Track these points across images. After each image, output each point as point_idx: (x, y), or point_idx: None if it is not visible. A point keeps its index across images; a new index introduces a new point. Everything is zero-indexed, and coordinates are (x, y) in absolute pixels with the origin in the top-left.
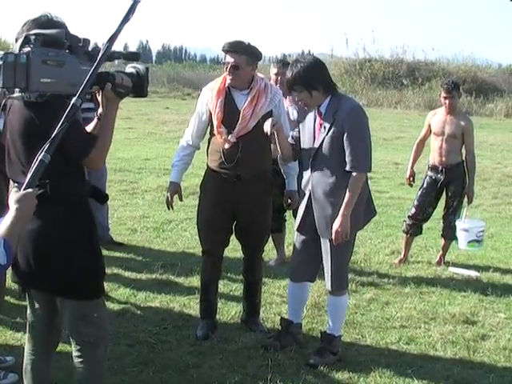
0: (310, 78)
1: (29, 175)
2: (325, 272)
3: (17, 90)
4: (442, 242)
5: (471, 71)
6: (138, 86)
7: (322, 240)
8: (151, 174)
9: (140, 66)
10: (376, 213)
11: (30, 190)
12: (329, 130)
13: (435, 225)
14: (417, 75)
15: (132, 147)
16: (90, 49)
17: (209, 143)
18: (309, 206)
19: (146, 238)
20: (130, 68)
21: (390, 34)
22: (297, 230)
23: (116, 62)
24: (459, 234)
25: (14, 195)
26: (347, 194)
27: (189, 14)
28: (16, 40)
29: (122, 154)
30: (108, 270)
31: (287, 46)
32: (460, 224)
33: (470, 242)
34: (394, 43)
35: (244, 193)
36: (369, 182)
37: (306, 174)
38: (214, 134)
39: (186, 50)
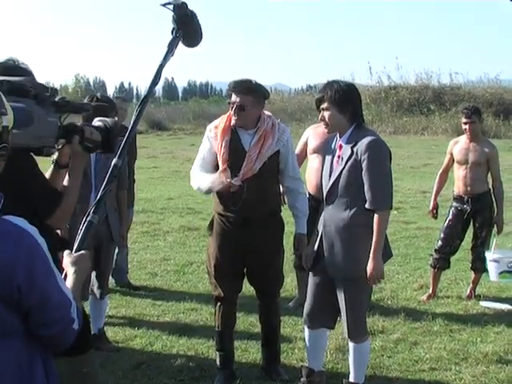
0: (342, 99)
1: (78, 237)
2: (342, 317)
3: None
4: (472, 274)
5: (497, 93)
6: (107, 141)
7: (335, 282)
8: (174, 213)
9: (108, 120)
10: (392, 254)
11: (83, 251)
12: (346, 163)
13: (465, 255)
14: (443, 100)
15: (156, 187)
16: (56, 99)
17: None
18: (321, 245)
19: (166, 281)
20: (97, 122)
21: (413, 60)
22: (310, 270)
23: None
24: (489, 265)
25: (68, 257)
26: (374, 234)
27: (213, 49)
28: None
29: (145, 194)
30: (125, 319)
31: (310, 77)
32: (490, 255)
33: (501, 273)
34: (418, 68)
35: (253, 236)
36: (395, 212)
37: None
38: None
39: (211, 86)
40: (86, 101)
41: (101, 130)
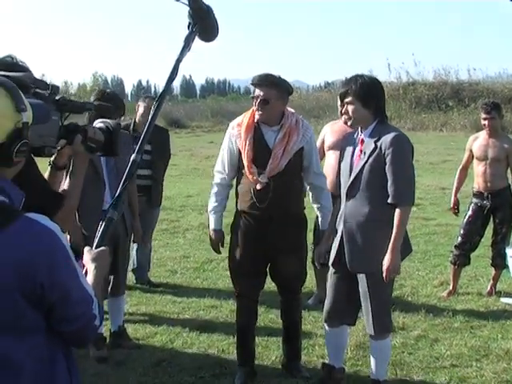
0: (366, 93)
1: (98, 234)
2: (364, 313)
3: None
4: (493, 270)
5: None
6: (109, 144)
7: (358, 277)
8: (193, 211)
9: (110, 122)
10: (412, 249)
11: (103, 247)
12: (369, 157)
13: (485, 252)
14: (461, 96)
15: (175, 184)
16: (57, 98)
17: (237, 183)
18: (342, 241)
19: (185, 279)
20: (99, 123)
21: (431, 56)
22: (332, 265)
23: None
24: (510, 261)
25: (89, 254)
26: (394, 228)
27: (231, 46)
28: None
29: (164, 192)
30: (145, 316)
31: (328, 74)
32: (510, 251)
33: None
34: (436, 64)
35: (276, 234)
36: (414, 208)
37: (342, 205)
38: (243, 174)
39: (229, 83)
40: (92, 96)
41: (102, 132)
